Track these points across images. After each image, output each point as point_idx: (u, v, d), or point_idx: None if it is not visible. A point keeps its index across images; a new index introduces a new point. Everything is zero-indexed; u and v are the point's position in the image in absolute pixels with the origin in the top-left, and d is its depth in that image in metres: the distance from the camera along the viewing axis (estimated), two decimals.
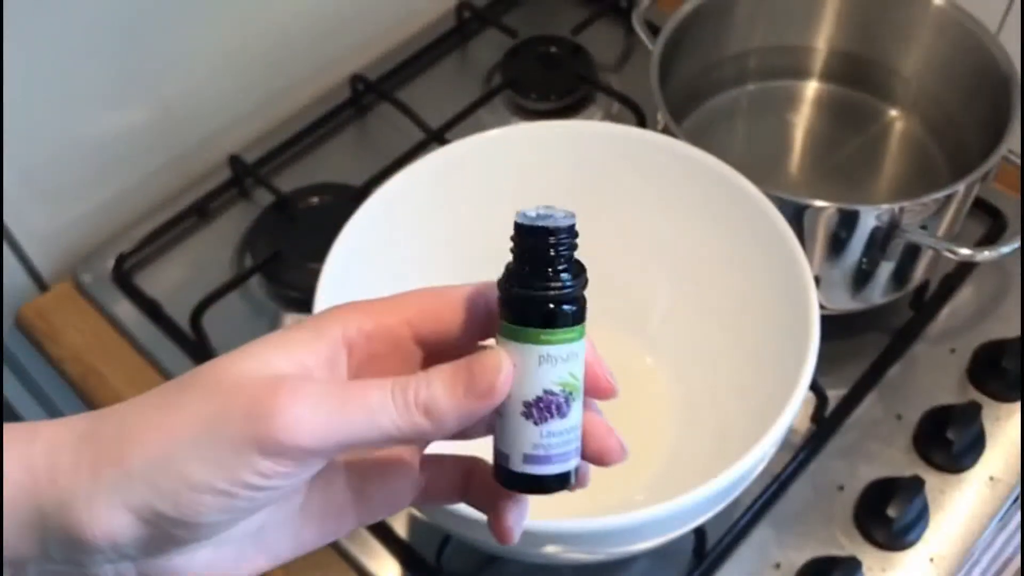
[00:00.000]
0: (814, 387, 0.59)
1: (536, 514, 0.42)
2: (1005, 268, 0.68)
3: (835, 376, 0.62)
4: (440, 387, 0.27)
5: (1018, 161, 0.61)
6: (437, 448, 0.32)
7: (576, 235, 0.28)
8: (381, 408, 0.26)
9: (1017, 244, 0.57)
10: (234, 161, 0.74)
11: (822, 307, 0.60)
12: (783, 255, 0.50)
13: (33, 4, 0.61)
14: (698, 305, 0.57)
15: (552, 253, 0.28)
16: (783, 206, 0.53)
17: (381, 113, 0.79)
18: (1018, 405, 0.62)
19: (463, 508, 0.42)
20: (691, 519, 0.47)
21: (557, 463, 0.28)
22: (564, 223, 0.28)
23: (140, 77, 0.70)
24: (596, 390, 0.29)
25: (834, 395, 0.61)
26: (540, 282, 0.27)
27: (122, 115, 0.71)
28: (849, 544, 0.56)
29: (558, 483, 0.28)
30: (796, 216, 0.55)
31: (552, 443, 0.28)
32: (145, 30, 0.68)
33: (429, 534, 0.56)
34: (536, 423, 0.27)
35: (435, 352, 0.29)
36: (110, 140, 0.71)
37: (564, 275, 0.28)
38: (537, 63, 0.80)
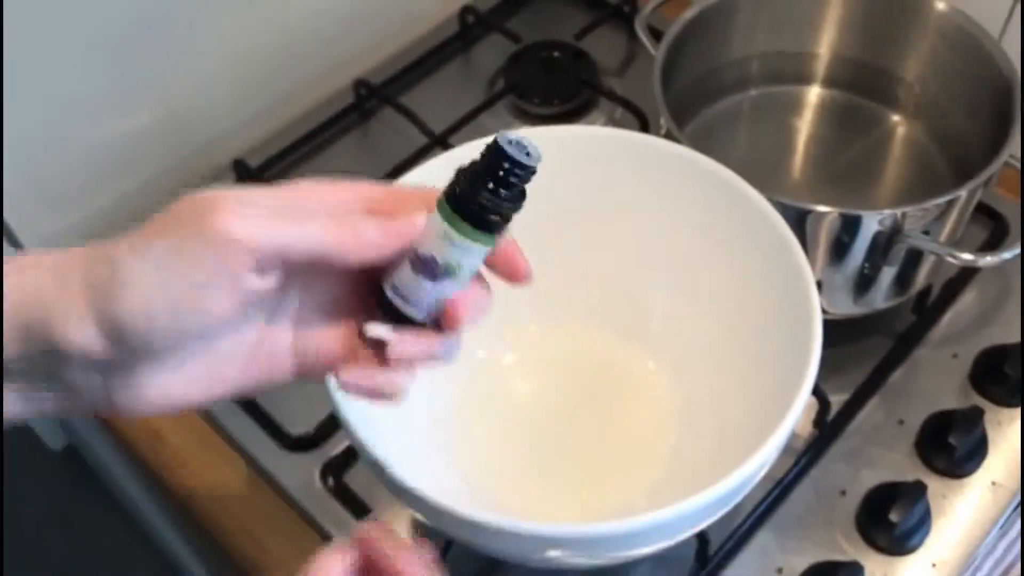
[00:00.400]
0: (816, 392, 0.59)
1: (539, 519, 0.42)
2: (1007, 273, 0.68)
3: (837, 381, 0.62)
4: (389, 233, 0.33)
5: (1020, 166, 0.61)
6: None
7: (534, 173, 0.34)
8: (316, 225, 0.32)
9: (1019, 250, 0.57)
10: (238, 165, 0.74)
11: (824, 312, 0.60)
12: (785, 260, 0.50)
13: (38, 8, 0.61)
14: (700, 309, 0.57)
15: (506, 179, 0.33)
16: (785, 211, 0.53)
17: (384, 118, 0.79)
18: (1020, 410, 0.62)
19: (466, 513, 0.42)
20: (693, 524, 0.47)
21: (412, 308, 0.35)
22: (529, 163, 0.33)
23: (144, 81, 0.70)
24: (514, 272, 0.36)
25: (836, 400, 0.61)
26: (483, 192, 0.33)
27: (127, 119, 0.71)
28: (851, 549, 0.56)
29: (407, 321, 0.35)
30: (799, 221, 0.56)
31: (417, 292, 0.34)
32: (149, 34, 0.68)
33: (432, 538, 0.56)
34: (414, 272, 0.34)
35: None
36: (115, 144, 0.71)
37: (504, 197, 0.34)
38: (540, 68, 0.80)
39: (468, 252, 0.34)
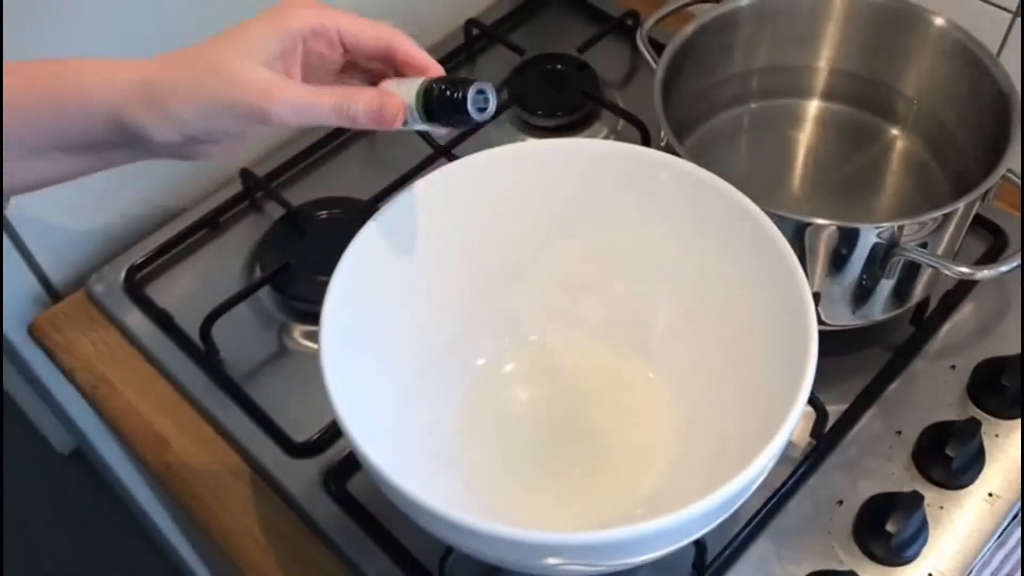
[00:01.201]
0: (814, 402, 0.60)
1: (538, 526, 0.43)
2: (1005, 286, 0.68)
3: (835, 392, 0.63)
4: (361, 109, 0.45)
5: (1018, 180, 0.62)
6: None
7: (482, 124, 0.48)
8: (327, 111, 0.44)
9: (1017, 262, 0.58)
10: (245, 174, 0.75)
11: (823, 323, 0.61)
12: (783, 272, 0.51)
13: (47, 15, 0.62)
14: (699, 320, 0.58)
15: (459, 118, 0.46)
16: (784, 223, 0.54)
17: None
18: (1018, 422, 0.62)
19: (465, 520, 0.42)
20: (690, 532, 0.47)
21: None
22: (478, 118, 0.46)
23: None
24: (423, 68, 0.47)
25: (834, 410, 0.62)
26: (440, 113, 0.46)
27: None
28: (848, 559, 0.57)
29: None
30: (797, 233, 0.56)
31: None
32: (158, 44, 0.69)
33: (433, 544, 0.57)
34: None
35: (351, 58, 0.47)
36: None
37: (455, 121, 0.46)
38: (544, 80, 0.81)
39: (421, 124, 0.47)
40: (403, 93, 0.46)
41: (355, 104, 0.44)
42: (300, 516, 0.61)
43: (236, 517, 0.61)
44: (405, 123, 0.46)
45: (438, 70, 0.47)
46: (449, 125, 0.46)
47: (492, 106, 0.46)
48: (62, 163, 0.45)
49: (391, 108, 0.45)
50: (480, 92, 0.45)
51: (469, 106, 0.45)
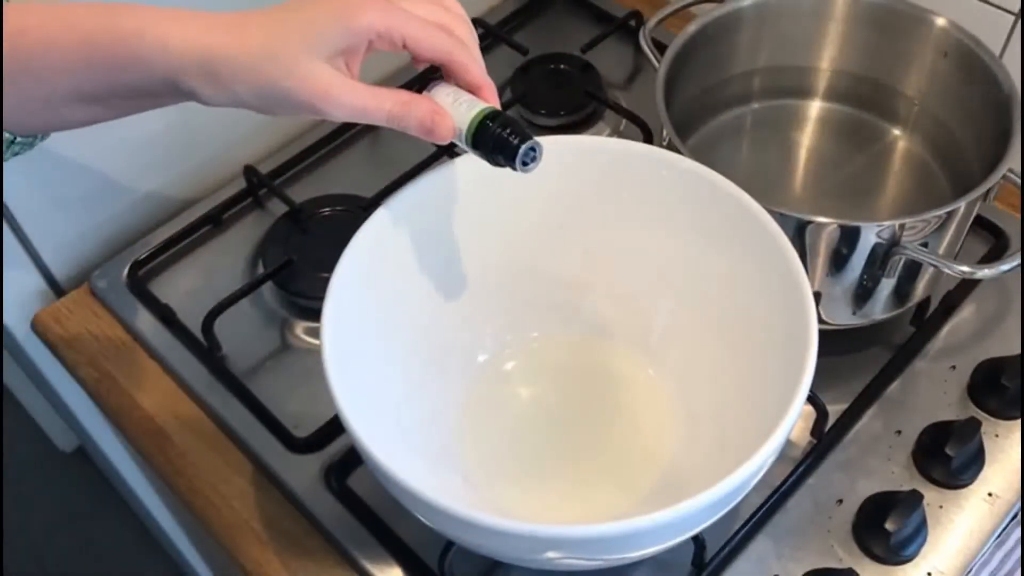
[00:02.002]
0: (814, 401, 0.60)
1: (537, 521, 0.43)
2: (1006, 286, 0.68)
3: (836, 391, 0.63)
4: (415, 121, 0.46)
5: (1019, 180, 0.62)
6: None
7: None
8: (380, 117, 0.45)
9: (1017, 262, 0.58)
10: (249, 171, 0.75)
11: (824, 322, 0.61)
12: (783, 270, 0.51)
13: None
14: (700, 318, 0.58)
15: (506, 160, 0.47)
16: (785, 222, 0.54)
17: None
18: (1018, 423, 0.62)
19: (466, 513, 0.43)
20: (690, 527, 0.47)
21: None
22: (522, 169, 0.47)
23: None
24: (477, 86, 0.48)
25: (834, 410, 0.62)
26: (486, 154, 0.47)
27: (141, 125, 0.72)
28: (847, 557, 0.57)
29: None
30: (798, 232, 0.56)
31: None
32: None
33: (433, 539, 0.57)
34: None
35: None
36: (129, 150, 0.73)
37: (499, 163, 0.47)
38: (547, 80, 0.81)
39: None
40: (456, 115, 0.47)
41: (408, 116, 0.45)
42: (301, 512, 0.61)
43: (237, 512, 0.61)
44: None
45: (491, 91, 0.48)
46: (490, 161, 0.47)
47: (536, 164, 0.47)
48: (119, 106, 0.46)
49: (442, 130, 0.46)
50: (532, 149, 0.46)
51: (517, 157, 0.46)
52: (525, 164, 0.46)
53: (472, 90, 0.47)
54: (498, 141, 0.46)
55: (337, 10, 0.44)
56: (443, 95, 0.47)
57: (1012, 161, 0.58)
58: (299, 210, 0.72)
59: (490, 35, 0.85)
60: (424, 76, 0.79)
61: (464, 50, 0.47)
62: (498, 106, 0.48)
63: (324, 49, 0.43)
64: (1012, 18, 0.70)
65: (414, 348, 0.57)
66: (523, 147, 0.46)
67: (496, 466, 0.57)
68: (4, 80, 0.43)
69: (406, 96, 0.46)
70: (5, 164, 0.65)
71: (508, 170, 0.47)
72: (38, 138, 0.50)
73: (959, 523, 0.59)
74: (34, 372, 0.80)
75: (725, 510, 0.47)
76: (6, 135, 0.47)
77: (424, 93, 0.48)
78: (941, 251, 0.60)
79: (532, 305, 0.61)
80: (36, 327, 0.71)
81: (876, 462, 0.61)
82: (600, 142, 0.58)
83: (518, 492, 0.56)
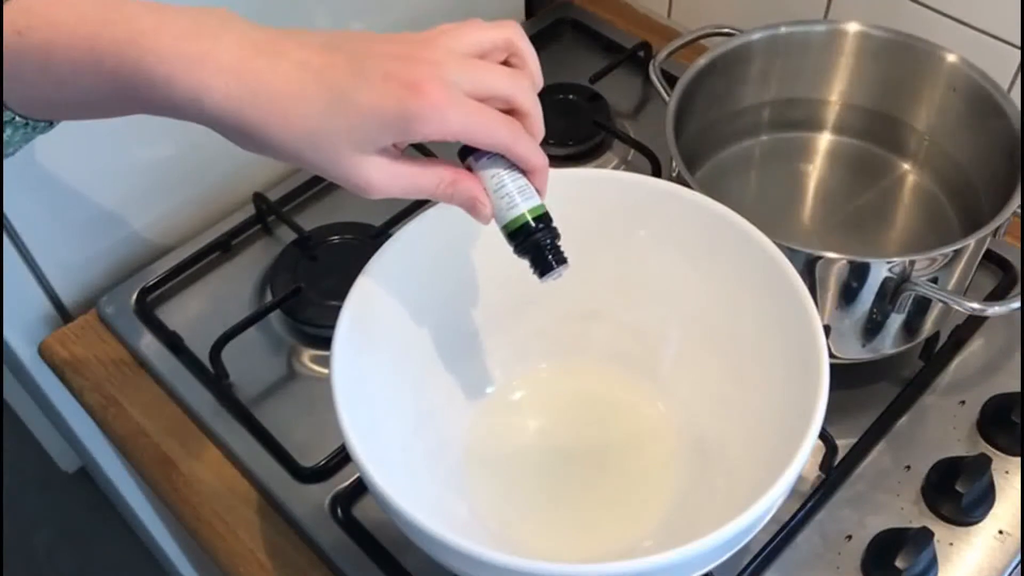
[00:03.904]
0: (823, 436, 0.60)
1: (546, 556, 0.43)
2: (1015, 322, 0.68)
3: (845, 425, 0.63)
4: (457, 203, 0.45)
5: None
6: None
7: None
8: (424, 195, 0.44)
9: None
10: (258, 198, 0.75)
11: (833, 356, 0.61)
12: (793, 305, 0.51)
13: None
14: (709, 352, 0.58)
15: (535, 268, 0.47)
16: (795, 257, 0.54)
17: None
18: None
19: (472, 550, 0.42)
20: (698, 566, 0.47)
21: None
22: (545, 279, 0.47)
23: None
24: (530, 169, 0.46)
25: (843, 444, 0.62)
26: (521, 256, 0.47)
27: (151, 151, 0.73)
28: None
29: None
30: (808, 267, 0.56)
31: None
32: None
33: (438, 572, 0.57)
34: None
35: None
36: (138, 175, 0.73)
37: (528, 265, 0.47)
38: (556, 109, 0.81)
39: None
40: (498, 204, 0.45)
41: (451, 199, 0.44)
42: (306, 542, 0.60)
43: (242, 541, 0.61)
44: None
45: (543, 175, 0.46)
46: (516, 253, 0.47)
47: (553, 280, 0.47)
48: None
49: (481, 218, 0.45)
50: (560, 275, 0.47)
51: (545, 276, 0.46)
52: (542, 277, 0.46)
53: (524, 171, 0.45)
54: (535, 253, 0.46)
55: (396, 108, 0.39)
56: (488, 175, 0.45)
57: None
58: (308, 238, 0.72)
59: None
60: None
61: (522, 141, 0.44)
62: (544, 191, 0.46)
63: (372, 147, 0.41)
64: (1021, 53, 0.71)
65: (422, 378, 0.57)
66: (555, 272, 0.46)
67: (503, 498, 0.57)
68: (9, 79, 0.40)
69: (449, 176, 0.44)
70: (11, 174, 0.65)
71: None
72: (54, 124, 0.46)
73: (969, 561, 0.58)
74: (39, 394, 0.80)
75: (736, 548, 0.47)
76: (17, 120, 0.43)
77: (470, 163, 0.45)
78: (951, 287, 0.60)
79: (540, 336, 0.61)
80: (43, 352, 0.71)
81: (885, 497, 0.60)
82: (609, 174, 0.58)
83: (524, 525, 0.56)
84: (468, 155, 0.46)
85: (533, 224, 0.45)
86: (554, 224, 0.46)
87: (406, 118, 0.40)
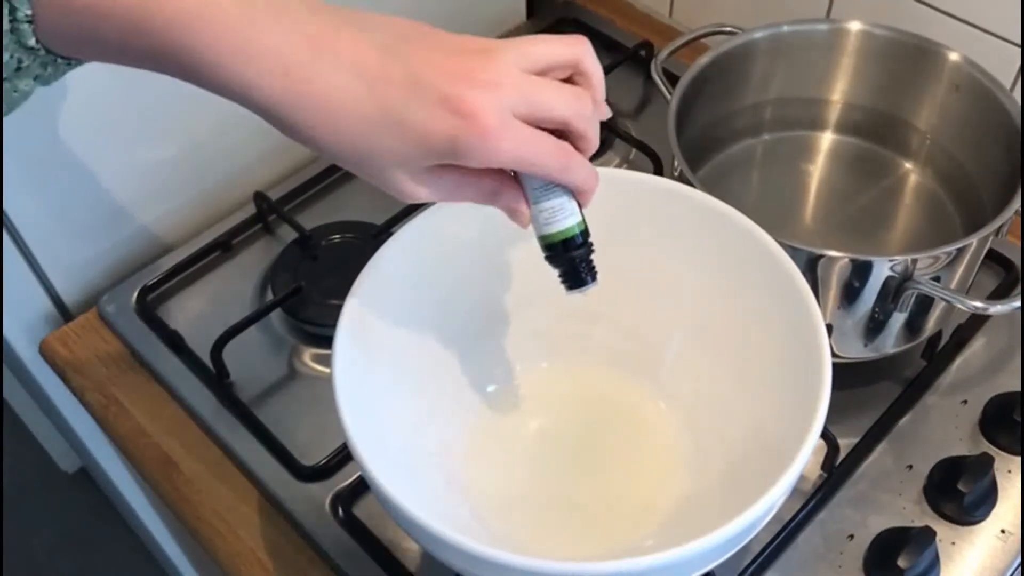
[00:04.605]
0: (825, 435, 0.60)
1: (547, 555, 0.43)
2: (1017, 321, 0.68)
3: (846, 425, 0.62)
4: (501, 208, 0.44)
5: None
6: None
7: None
8: (471, 201, 0.43)
9: None
10: (259, 197, 0.75)
11: (835, 356, 0.61)
12: (795, 303, 0.51)
13: None
14: (710, 351, 0.58)
15: (567, 282, 0.48)
16: (797, 255, 0.54)
17: None
18: None
19: (473, 547, 0.42)
20: (699, 566, 0.47)
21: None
22: (577, 292, 0.47)
23: (171, 115, 0.72)
24: (579, 193, 0.45)
25: (845, 444, 0.61)
26: (554, 267, 0.47)
27: (152, 151, 0.73)
28: None
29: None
30: (810, 265, 0.56)
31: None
32: None
33: (439, 571, 0.57)
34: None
35: None
36: (139, 174, 0.73)
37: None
38: None
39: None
40: (538, 216, 0.45)
41: (493, 205, 0.44)
42: (307, 541, 0.60)
43: (243, 541, 0.61)
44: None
45: (589, 195, 0.45)
46: (549, 263, 0.47)
47: (580, 293, 0.47)
48: None
49: (520, 223, 0.45)
50: (588, 290, 0.47)
51: (575, 289, 0.47)
52: (569, 290, 0.47)
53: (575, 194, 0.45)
54: (570, 269, 0.46)
55: (448, 137, 0.38)
56: (531, 186, 0.44)
57: None
58: (309, 237, 0.72)
59: None
60: None
61: (572, 171, 0.43)
62: (587, 205, 0.45)
63: (417, 167, 0.40)
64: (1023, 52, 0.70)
65: (423, 377, 0.56)
66: (586, 287, 0.46)
67: (504, 497, 0.57)
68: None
69: (491, 188, 0.43)
70: (12, 173, 0.65)
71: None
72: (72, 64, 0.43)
73: (971, 560, 0.58)
74: (39, 394, 0.80)
75: (738, 547, 0.47)
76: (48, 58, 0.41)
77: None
78: (953, 285, 0.60)
79: (542, 336, 0.61)
80: (44, 351, 0.71)
81: (887, 497, 0.60)
82: (611, 173, 0.57)
83: (526, 524, 0.56)
84: None
85: (572, 241, 0.45)
86: (591, 240, 0.46)
87: (456, 148, 0.39)
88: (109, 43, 0.38)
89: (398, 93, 0.38)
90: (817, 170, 0.72)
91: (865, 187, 0.70)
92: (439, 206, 0.55)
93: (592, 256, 0.46)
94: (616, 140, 0.80)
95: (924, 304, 0.60)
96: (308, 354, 0.68)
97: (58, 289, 0.73)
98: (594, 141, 0.43)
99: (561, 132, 0.42)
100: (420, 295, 0.55)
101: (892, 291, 0.58)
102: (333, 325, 0.49)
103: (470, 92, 0.38)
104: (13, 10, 0.37)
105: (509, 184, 0.44)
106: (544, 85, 0.41)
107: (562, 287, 0.47)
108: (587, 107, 0.42)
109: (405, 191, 0.42)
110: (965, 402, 0.65)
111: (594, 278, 0.47)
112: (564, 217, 0.45)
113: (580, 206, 0.45)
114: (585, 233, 0.46)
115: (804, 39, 0.68)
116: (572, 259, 0.46)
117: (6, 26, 0.37)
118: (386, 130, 0.39)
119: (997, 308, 0.58)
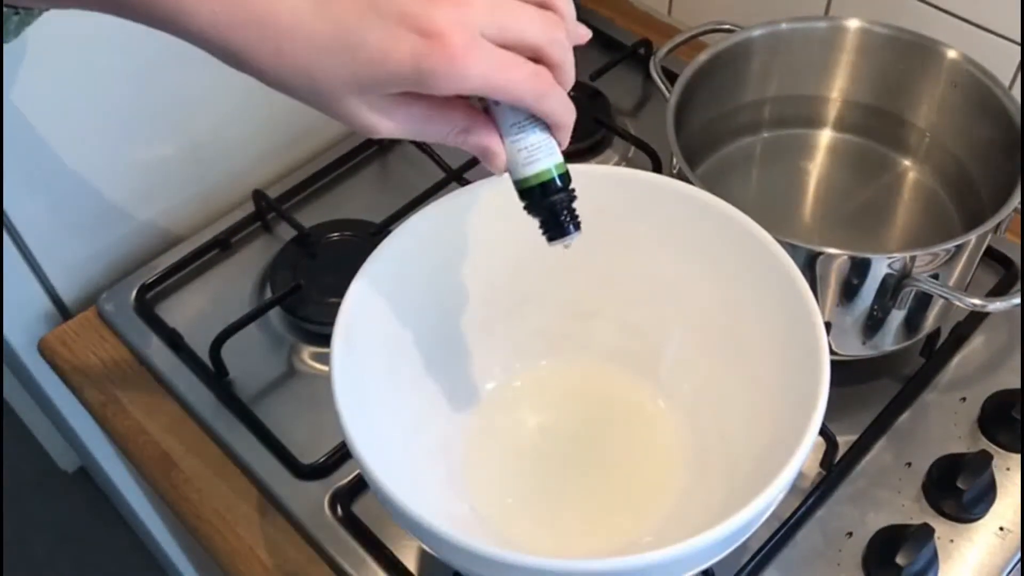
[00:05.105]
0: (824, 433, 0.60)
1: (546, 552, 0.43)
2: (1016, 318, 0.68)
3: (845, 422, 0.62)
4: (470, 148, 0.41)
5: None
6: None
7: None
8: (437, 139, 0.40)
9: None
10: (258, 196, 0.75)
11: (833, 353, 0.61)
12: (794, 301, 0.51)
13: (68, 41, 0.63)
14: (710, 349, 0.58)
15: (546, 224, 0.44)
16: (796, 252, 0.54)
17: (402, 153, 0.81)
18: None
19: (472, 545, 0.42)
20: (698, 562, 0.47)
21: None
22: (560, 241, 0.44)
23: (170, 114, 0.72)
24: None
25: (844, 441, 0.61)
26: (532, 214, 0.44)
27: (151, 150, 0.73)
28: None
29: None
30: (808, 263, 0.56)
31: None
32: (176, 68, 0.70)
33: (438, 569, 0.57)
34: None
35: None
36: (138, 173, 0.73)
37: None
38: None
39: None
40: (513, 157, 0.42)
41: (464, 144, 0.41)
42: (306, 539, 0.60)
43: (242, 538, 0.61)
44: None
45: (567, 131, 0.42)
46: (527, 211, 0.44)
47: (561, 246, 0.44)
48: None
49: (495, 167, 0.42)
50: (571, 241, 0.44)
51: (558, 240, 0.44)
52: (551, 241, 0.44)
53: (548, 125, 0.42)
54: (550, 215, 0.43)
55: (410, 59, 0.35)
56: (508, 122, 0.41)
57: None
58: (308, 235, 0.72)
59: None
60: None
61: (548, 98, 0.40)
62: (564, 145, 0.43)
63: (376, 93, 0.37)
64: (1022, 49, 0.70)
65: (422, 375, 0.56)
66: (568, 237, 0.43)
67: (504, 495, 0.57)
68: None
69: (461, 123, 0.40)
70: (11, 172, 0.64)
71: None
72: (37, 12, 0.43)
73: (970, 558, 0.58)
74: (38, 393, 0.80)
75: (736, 544, 0.47)
76: (7, 11, 0.40)
77: (488, 103, 0.41)
78: (952, 283, 0.60)
79: (541, 333, 0.61)
80: (42, 350, 0.71)
81: (886, 494, 0.60)
82: (609, 170, 0.58)
83: (526, 522, 0.56)
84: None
85: (551, 184, 0.42)
86: (572, 186, 0.43)
87: (420, 72, 0.35)
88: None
89: (351, 11, 0.35)
90: (816, 168, 0.72)
91: (864, 185, 0.70)
92: (437, 205, 0.54)
93: (575, 203, 0.43)
94: (615, 138, 0.80)
95: (923, 301, 0.60)
96: (307, 352, 0.68)
97: (57, 287, 0.73)
98: (570, 73, 0.41)
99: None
100: (419, 293, 0.55)
101: (891, 288, 0.58)
102: (332, 323, 0.49)
103: (435, 9, 0.35)
104: None
105: (482, 120, 0.41)
106: (515, 6, 0.38)
107: (543, 238, 0.44)
108: (562, 33, 0.39)
109: (365, 123, 0.38)
110: (964, 399, 0.65)
111: (577, 227, 0.43)
112: (543, 156, 0.42)
113: (560, 148, 0.43)
114: (567, 177, 0.43)
115: (803, 36, 0.68)
116: (553, 204, 0.43)
117: None
118: (338, 53, 0.35)
119: (996, 305, 0.58)
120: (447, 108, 0.39)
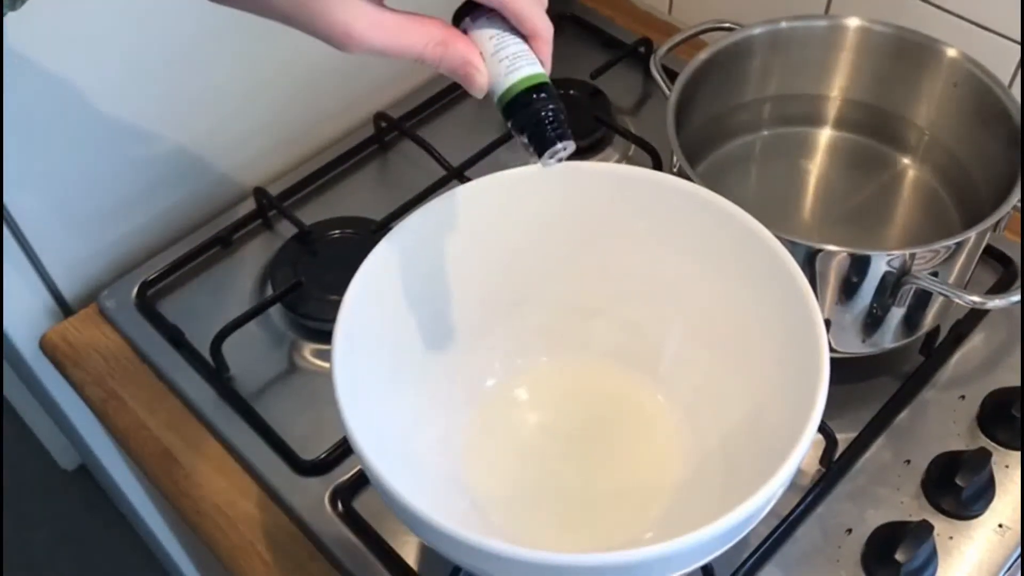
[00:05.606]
0: (824, 430, 0.60)
1: (546, 548, 0.43)
2: (1015, 316, 0.68)
3: (845, 419, 0.63)
4: (447, 67, 0.40)
5: None
6: None
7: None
8: (414, 55, 0.40)
9: None
10: (259, 193, 0.76)
11: (833, 351, 0.61)
12: (794, 298, 0.51)
13: (68, 40, 0.63)
14: (710, 345, 0.58)
15: (532, 137, 0.42)
16: (795, 250, 0.54)
17: (403, 150, 0.81)
18: None
19: (473, 539, 0.42)
20: (698, 558, 0.47)
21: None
22: (544, 164, 0.43)
23: (171, 111, 0.72)
24: (529, 32, 0.42)
25: (843, 438, 0.62)
26: (515, 126, 0.43)
27: (152, 147, 0.73)
28: None
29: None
30: (808, 260, 0.56)
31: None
32: (177, 66, 0.70)
33: (439, 565, 0.57)
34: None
35: None
36: (139, 170, 0.73)
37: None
38: None
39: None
40: (494, 72, 0.41)
41: (441, 62, 0.40)
42: (307, 535, 0.60)
43: (243, 535, 0.61)
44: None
45: (546, 41, 0.41)
46: (514, 133, 0.43)
47: (556, 162, 0.43)
48: None
49: (473, 87, 0.41)
50: (562, 155, 0.43)
51: (546, 154, 0.42)
52: (547, 161, 0.42)
53: (524, 35, 0.41)
54: (534, 126, 0.41)
55: None
56: (486, 37, 0.41)
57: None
58: (308, 232, 0.72)
59: None
60: None
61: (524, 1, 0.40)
62: (548, 61, 0.42)
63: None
64: (1021, 48, 0.71)
65: (423, 372, 0.57)
66: (556, 147, 0.41)
67: (504, 491, 0.57)
68: None
69: (439, 35, 0.39)
70: (12, 168, 0.65)
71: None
72: None
73: (969, 555, 0.58)
74: (39, 389, 0.80)
75: (735, 540, 0.47)
76: None
77: (466, 25, 0.41)
78: (951, 280, 0.60)
79: (541, 330, 0.61)
80: (44, 346, 0.71)
81: (885, 492, 0.61)
82: (610, 168, 0.58)
83: (526, 518, 0.56)
84: (464, 17, 0.42)
85: (535, 89, 0.41)
86: (558, 98, 0.42)
87: None
88: None
89: None
90: (816, 166, 0.72)
91: (863, 183, 0.70)
92: (437, 202, 0.55)
93: (562, 115, 0.42)
94: (615, 137, 0.80)
95: (922, 299, 0.60)
96: (308, 349, 0.68)
97: (58, 284, 0.74)
98: None
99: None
100: (420, 290, 0.56)
101: (890, 286, 0.58)
102: (332, 320, 0.50)
103: None
104: None
105: (459, 35, 0.41)
106: None
107: (540, 164, 0.42)
108: None
109: (339, 21, 0.37)
110: (963, 397, 0.65)
111: (568, 136, 0.42)
112: (524, 65, 0.41)
113: (542, 64, 0.42)
114: (548, 87, 0.41)
115: (803, 35, 0.69)
116: (538, 111, 0.41)
117: None
118: None
119: (995, 303, 0.58)
120: (425, 21, 0.40)
